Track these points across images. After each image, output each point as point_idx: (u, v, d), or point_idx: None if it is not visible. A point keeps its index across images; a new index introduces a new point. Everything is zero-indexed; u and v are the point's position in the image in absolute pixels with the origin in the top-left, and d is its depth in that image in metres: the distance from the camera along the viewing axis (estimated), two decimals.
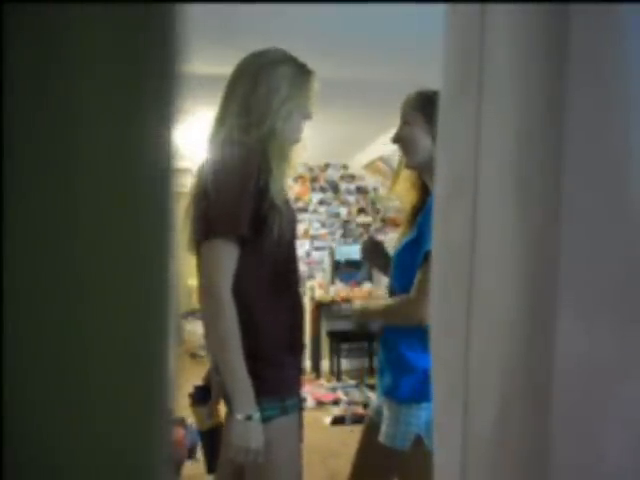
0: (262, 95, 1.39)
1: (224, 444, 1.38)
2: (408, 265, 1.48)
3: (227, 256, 1.31)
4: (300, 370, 1.50)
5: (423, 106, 1.49)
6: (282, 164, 1.39)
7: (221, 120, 1.43)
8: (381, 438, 1.50)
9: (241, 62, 1.48)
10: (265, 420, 1.30)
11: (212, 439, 1.49)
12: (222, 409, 1.45)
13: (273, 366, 1.36)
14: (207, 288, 1.30)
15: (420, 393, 1.42)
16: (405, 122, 1.54)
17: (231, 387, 1.30)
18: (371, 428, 1.61)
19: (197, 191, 1.37)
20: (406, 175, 1.62)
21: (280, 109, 1.40)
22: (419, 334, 1.40)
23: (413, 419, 1.44)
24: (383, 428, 1.51)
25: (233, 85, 1.45)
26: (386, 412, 1.53)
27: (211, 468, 1.53)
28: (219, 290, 1.29)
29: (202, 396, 1.49)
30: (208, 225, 1.30)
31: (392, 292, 1.61)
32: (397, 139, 1.55)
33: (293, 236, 1.45)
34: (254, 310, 1.35)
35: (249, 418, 1.27)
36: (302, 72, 1.47)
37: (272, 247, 1.35)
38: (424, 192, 1.59)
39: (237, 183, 1.31)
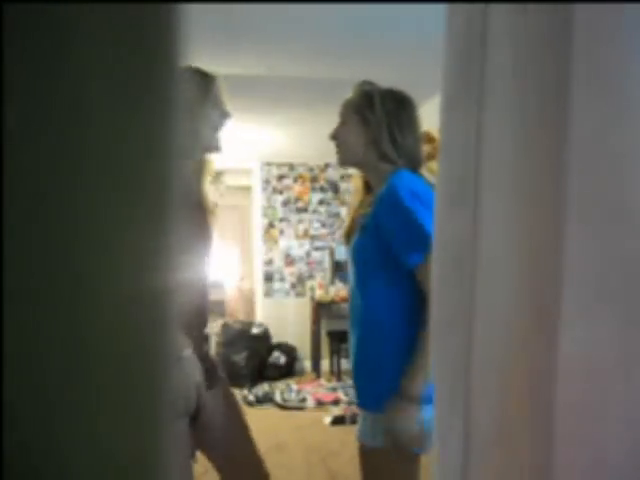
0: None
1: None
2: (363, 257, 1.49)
3: None
4: None
5: (361, 108, 1.52)
6: None
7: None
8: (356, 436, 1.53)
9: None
10: None
11: None
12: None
13: None
14: None
15: (384, 402, 1.40)
16: (342, 121, 1.57)
17: None
18: None
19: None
20: (358, 177, 1.67)
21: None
22: (393, 339, 1.39)
23: (380, 423, 1.42)
24: (357, 426, 1.54)
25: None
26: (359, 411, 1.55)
27: None
28: None
29: None
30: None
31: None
32: (333, 137, 1.60)
33: None
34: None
35: None
36: None
37: None
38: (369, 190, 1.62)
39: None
